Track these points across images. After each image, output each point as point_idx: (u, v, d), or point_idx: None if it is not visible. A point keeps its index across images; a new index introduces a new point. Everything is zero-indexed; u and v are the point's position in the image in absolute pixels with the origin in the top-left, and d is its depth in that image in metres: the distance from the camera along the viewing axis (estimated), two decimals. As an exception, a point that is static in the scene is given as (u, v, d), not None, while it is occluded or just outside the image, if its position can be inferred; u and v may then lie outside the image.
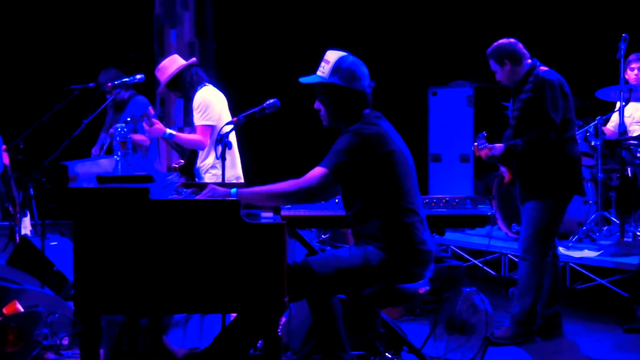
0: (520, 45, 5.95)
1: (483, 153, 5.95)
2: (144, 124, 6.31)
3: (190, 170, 6.32)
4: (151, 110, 6.39)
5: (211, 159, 6.17)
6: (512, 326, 5.93)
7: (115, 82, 6.49)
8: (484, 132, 6.00)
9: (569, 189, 5.92)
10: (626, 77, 7.54)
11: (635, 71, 7.73)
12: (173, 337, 5.10)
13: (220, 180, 5.93)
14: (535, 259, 5.86)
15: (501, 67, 5.95)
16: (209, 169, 6.23)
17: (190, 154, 6.43)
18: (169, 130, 6.32)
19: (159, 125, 6.30)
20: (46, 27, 10.87)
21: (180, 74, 6.20)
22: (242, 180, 6.19)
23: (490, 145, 5.93)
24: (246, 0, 11.10)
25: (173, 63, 6.23)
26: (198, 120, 6.16)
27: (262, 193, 4.12)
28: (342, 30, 10.49)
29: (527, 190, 5.93)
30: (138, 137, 6.53)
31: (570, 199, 5.98)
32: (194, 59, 6.33)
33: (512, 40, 5.99)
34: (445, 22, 11.11)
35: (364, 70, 4.25)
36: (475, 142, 6.01)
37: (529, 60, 5.93)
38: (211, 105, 6.12)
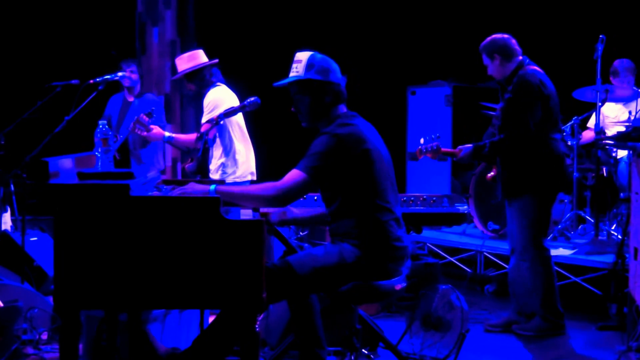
0: (513, 41, 6.04)
1: (430, 154, 6.04)
2: (137, 131, 6.42)
3: (203, 168, 6.36)
4: (144, 117, 6.48)
5: (222, 157, 6.23)
6: (536, 320, 6.07)
7: (97, 79, 6.53)
8: (437, 134, 6.13)
9: (555, 184, 6.01)
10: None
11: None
12: (151, 332, 5.11)
13: (231, 177, 6.04)
14: (534, 258, 5.97)
15: (491, 61, 6.03)
16: (219, 166, 6.28)
17: (202, 153, 6.48)
18: (167, 134, 6.46)
19: (156, 130, 6.42)
20: (28, 24, 10.84)
21: (200, 70, 6.30)
22: (254, 178, 6.27)
23: (460, 147, 6.03)
24: (228, -1, 11.15)
25: (197, 58, 6.36)
26: (204, 118, 6.23)
27: (240, 194, 4.14)
28: (323, 30, 10.54)
29: (513, 187, 6.02)
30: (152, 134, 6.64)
31: (556, 194, 6.08)
32: (216, 60, 6.41)
33: (505, 35, 6.07)
34: (425, 22, 11.16)
35: (335, 65, 4.32)
36: (422, 141, 6.11)
37: (520, 57, 6.01)
38: (219, 105, 6.17)
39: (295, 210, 4.59)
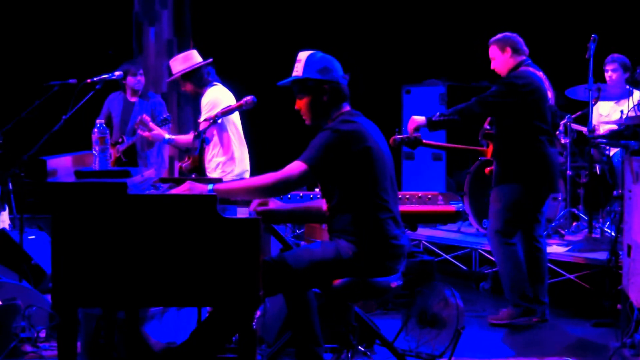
0: (522, 41, 6.26)
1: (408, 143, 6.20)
2: (139, 131, 6.48)
3: (199, 167, 6.40)
4: (146, 118, 6.54)
5: (220, 156, 6.27)
6: (508, 308, 6.23)
7: (95, 79, 6.56)
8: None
9: (534, 180, 6.11)
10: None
11: (610, 73, 7.94)
12: (149, 329, 5.14)
13: (229, 175, 6.07)
14: (498, 245, 6.13)
15: (502, 53, 6.21)
16: (218, 165, 6.31)
17: (199, 151, 6.52)
18: (167, 135, 6.49)
19: (157, 130, 6.46)
20: (26, 23, 10.86)
21: (197, 70, 6.32)
22: (247, 175, 6.31)
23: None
24: (224, -1, 11.19)
25: (192, 58, 6.37)
26: (202, 117, 6.25)
27: (240, 187, 4.19)
28: (319, 29, 10.58)
29: (497, 177, 6.20)
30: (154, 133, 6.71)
31: (537, 190, 6.14)
32: (210, 59, 6.44)
33: (515, 34, 6.29)
34: (419, 22, 11.20)
35: (336, 63, 4.36)
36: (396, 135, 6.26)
37: (523, 57, 6.21)
38: (217, 104, 6.18)
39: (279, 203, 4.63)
